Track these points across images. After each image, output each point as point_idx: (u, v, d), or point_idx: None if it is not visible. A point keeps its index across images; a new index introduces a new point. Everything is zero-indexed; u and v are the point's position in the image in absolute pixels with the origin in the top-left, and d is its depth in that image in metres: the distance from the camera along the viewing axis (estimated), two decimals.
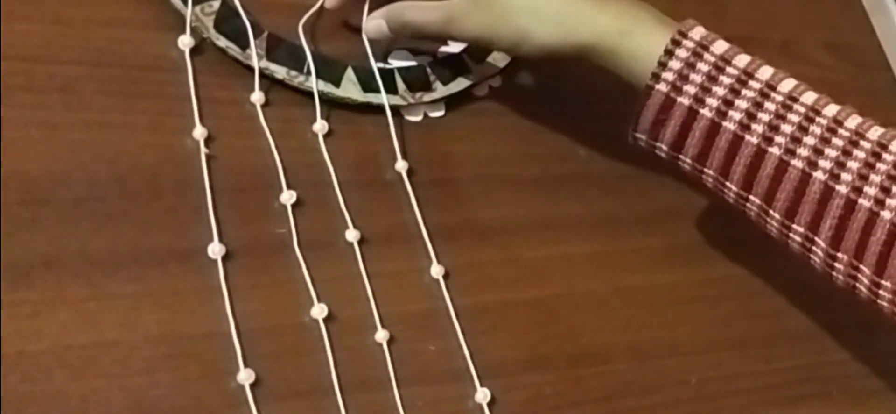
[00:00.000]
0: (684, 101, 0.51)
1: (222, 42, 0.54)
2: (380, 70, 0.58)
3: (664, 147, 0.53)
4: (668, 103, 0.51)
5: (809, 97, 0.50)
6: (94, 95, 0.51)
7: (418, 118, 0.59)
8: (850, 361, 0.65)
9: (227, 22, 0.55)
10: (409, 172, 0.57)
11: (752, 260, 0.65)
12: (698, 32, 0.52)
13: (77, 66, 0.52)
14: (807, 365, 0.63)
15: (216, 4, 0.55)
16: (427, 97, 0.59)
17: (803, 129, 0.49)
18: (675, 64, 0.51)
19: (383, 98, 0.57)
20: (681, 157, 0.53)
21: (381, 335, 0.52)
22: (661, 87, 0.51)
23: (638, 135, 0.54)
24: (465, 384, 0.53)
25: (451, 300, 0.54)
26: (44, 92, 0.50)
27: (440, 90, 0.60)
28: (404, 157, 0.57)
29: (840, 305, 0.63)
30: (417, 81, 0.59)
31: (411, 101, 0.59)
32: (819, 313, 0.65)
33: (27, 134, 0.49)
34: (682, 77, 0.51)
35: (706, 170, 0.52)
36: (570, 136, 0.63)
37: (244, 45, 0.55)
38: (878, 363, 0.65)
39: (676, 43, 0.51)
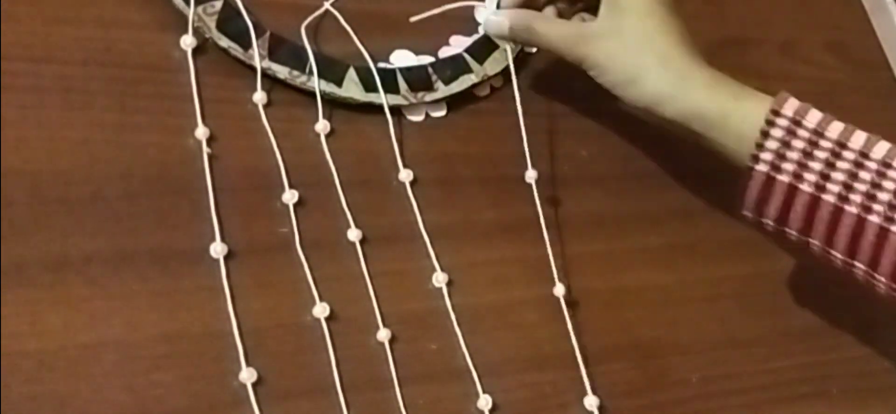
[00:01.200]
0: (784, 178, 0.52)
1: (224, 42, 0.54)
2: (382, 70, 0.58)
3: (770, 223, 0.55)
4: (769, 182, 0.53)
5: None
6: (95, 95, 0.51)
7: (420, 118, 0.59)
8: (850, 360, 0.64)
9: (229, 22, 0.55)
10: (411, 172, 0.56)
11: (752, 260, 0.65)
12: (791, 107, 0.53)
13: (77, 66, 0.51)
14: (807, 364, 0.63)
15: (218, 5, 0.55)
16: (429, 97, 0.59)
17: None
18: (771, 143, 0.52)
19: (382, 98, 0.57)
20: (787, 230, 0.54)
21: (383, 334, 0.52)
22: (762, 167, 0.53)
23: (745, 212, 0.56)
24: (466, 384, 0.53)
25: (453, 300, 0.54)
26: (44, 92, 0.50)
27: (442, 90, 0.59)
28: (405, 157, 0.57)
29: (840, 304, 0.65)
30: (419, 81, 0.59)
31: (413, 100, 0.58)
32: (819, 313, 0.65)
33: (27, 134, 0.49)
34: (780, 155, 0.52)
35: (812, 240, 0.54)
36: (570, 136, 0.63)
37: (246, 46, 0.54)
38: (878, 363, 0.65)
39: (770, 122, 0.52)
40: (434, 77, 0.59)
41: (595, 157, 0.63)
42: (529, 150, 0.60)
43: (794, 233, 0.54)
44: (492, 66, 0.62)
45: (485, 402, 0.52)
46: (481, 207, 0.58)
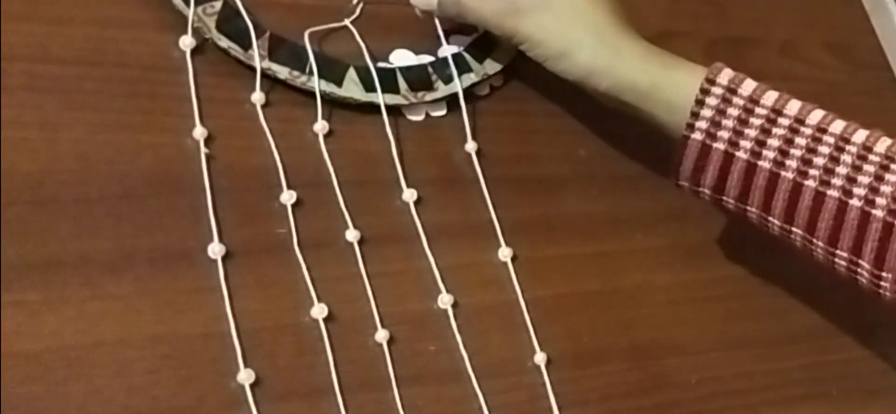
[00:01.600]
0: (719, 146, 0.53)
1: (224, 42, 0.54)
2: (382, 69, 0.58)
3: (707, 191, 0.55)
4: (705, 150, 0.53)
5: (838, 126, 0.51)
6: (95, 95, 0.51)
7: (420, 118, 0.59)
8: (850, 361, 0.64)
9: (228, 22, 0.54)
10: (409, 172, 0.56)
11: (752, 260, 0.65)
12: (726, 76, 0.53)
13: (77, 66, 0.51)
14: (807, 365, 0.63)
15: (218, 5, 0.55)
16: (429, 96, 0.59)
17: (834, 159, 0.51)
18: (706, 112, 0.52)
19: (380, 98, 0.57)
20: (723, 198, 0.55)
21: (382, 335, 0.52)
22: (697, 135, 0.53)
23: (680, 182, 0.56)
24: (464, 385, 0.53)
25: (452, 300, 0.54)
26: (44, 92, 0.50)
27: (442, 90, 0.59)
28: (405, 157, 0.57)
29: (840, 305, 0.65)
30: (419, 81, 0.59)
31: (413, 100, 0.58)
32: (819, 313, 0.65)
33: (27, 134, 0.49)
34: (715, 123, 0.52)
35: (749, 208, 0.54)
36: (570, 136, 0.63)
37: (246, 46, 0.54)
38: (878, 363, 0.65)
39: (705, 91, 0.52)
40: (434, 76, 0.59)
41: (594, 156, 0.63)
42: (529, 150, 0.61)
43: (731, 201, 0.54)
44: (491, 65, 0.62)
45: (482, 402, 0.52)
46: (481, 208, 0.58)
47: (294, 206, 0.52)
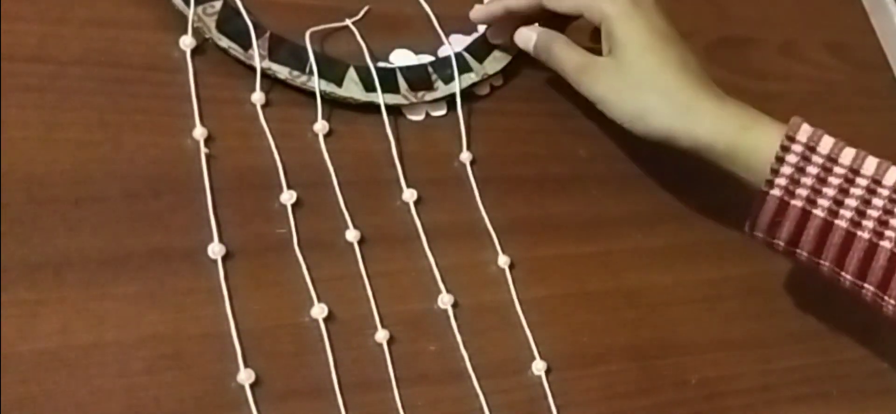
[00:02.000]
0: (798, 203, 0.53)
1: (224, 42, 0.54)
2: (382, 69, 0.58)
3: (781, 244, 0.56)
4: (783, 206, 0.54)
5: None
6: (94, 95, 0.51)
7: (420, 117, 0.59)
8: (850, 361, 0.64)
9: (229, 22, 0.55)
10: (410, 172, 0.56)
11: (752, 260, 0.64)
12: (805, 133, 0.53)
13: (77, 66, 0.51)
14: (807, 365, 0.63)
15: (218, 5, 0.55)
16: (429, 96, 0.59)
17: None
18: (786, 169, 0.53)
19: (380, 98, 0.57)
20: (797, 251, 0.55)
21: (382, 335, 0.51)
22: (776, 192, 0.54)
23: (755, 233, 0.57)
24: (465, 385, 0.52)
25: (452, 300, 0.54)
26: (44, 92, 0.50)
27: (442, 89, 0.59)
28: (405, 157, 0.56)
29: (840, 306, 0.64)
30: (419, 81, 0.59)
31: (413, 100, 0.58)
32: (819, 313, 0.65)
33: (27, 134, 0.49)
34: (794, 181, 0.53)
35: (822, 262, 0.55)
36: (570, 136, 0.63)
37: (246, 46, 0.54)
38: (878, 363, 0.65)
39: (786, 148, 0.53)
40: (434, 76, 0.59)
41: (594, 157, 0.63)
42: (529, 150, 0.61)
43: (804, 254, 0.55)
44: (491, 64, 0.62)
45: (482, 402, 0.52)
46: (479, 207, 0.58)
47: (294, 206, 0.52)
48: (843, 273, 0.54)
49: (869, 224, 0.52)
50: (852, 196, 0.52)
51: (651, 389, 0.57)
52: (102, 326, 0.46)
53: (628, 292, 0.60)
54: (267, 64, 0.54)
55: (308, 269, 0.51)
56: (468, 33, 0.63)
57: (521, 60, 0.63)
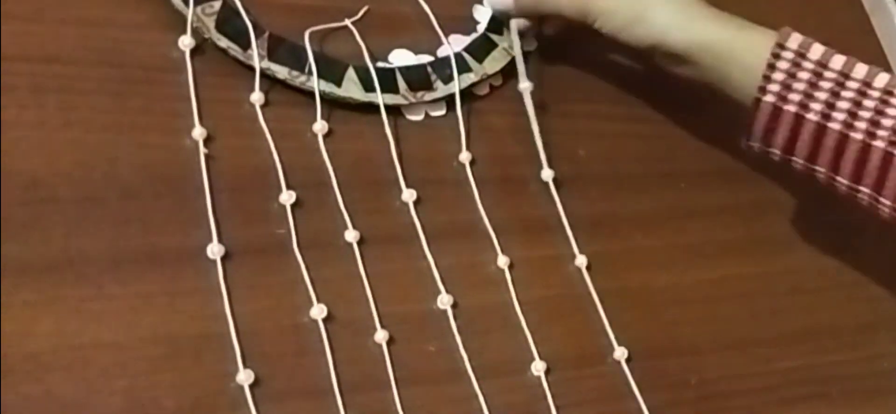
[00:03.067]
0: (791, 108, 0.54)
1: (223, 42, 0.54)
2: (382, 69, 0.58)
3: (777, 152, 0.57)
4: (777, 112, 0.55)
5: None
6: (94, 95, 0.51)
7: (419, 117, 0.59)
8: (850, 361, 0.65)
9: (228, 22, 0.55)
10: (409, 172, 0.57)
11: (751, 260, 0.65)
12: (795, 40, 0.55)
13: (77, 66, 0.51)
14: (807, 366, 0.63)
15: (217, 5, 0.55)
16: (428, 96, 0.59)
17: None
18: (777, 75, 0.54)
19: (379, 98, 0.57)
20: (793, 158, 0.56)
21: (381, 336, 0.52)
22: (769, 98, 0.55)
23: (751, 143, 0.57)
24: (464, 385, 0.53)
25: (451, 300, 0.54)
26: (44, 92, 0.50)
27: (441, 89, 0.60)
28: (404, 157, 0.57)
29: (840, 306, 0.65)
30: (418, 81, 0.59)
31: (412, 100, 0.58)
32: (819, 314, 0.65)
33: (27, 134, 0.49)
34: (786, 86, 0.54)
35: (818, 168, 0.56)
36: (568, 135, 0.63)
37: (245, 46, 0.55)
38: (878, 364, 0.65)
39: (776, 55, 0.54)
40: (433, 76, 0.60)
41: (593, 157, 0.63)
42: (529, 151, 0.61)
43: (800, 161, 0.56)
44: (491, 64, 0.62)
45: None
46: (478, 208, 0.58)
47: (293, 206, 0.53)
48: (838, 177, 0.55)
49: (861, 125, 0.53)
50: (844, 99, 0.53)
51: (651, 390, 0.57)
52: (101, 326, 0.47)
53: (628, 292, 0.60)
54: (266, 64, 0.55)
55: (307, 269, 0.51)
56: (467, 33, 0.63)
57: (524, 61, 0.63)
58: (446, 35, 0.62)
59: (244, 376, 0.48)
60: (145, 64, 0.53)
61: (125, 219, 0.49)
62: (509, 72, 0.63)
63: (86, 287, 0.47)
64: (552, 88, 0.64)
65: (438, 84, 0.60)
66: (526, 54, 0.63)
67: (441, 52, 0.62)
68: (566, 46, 0.66)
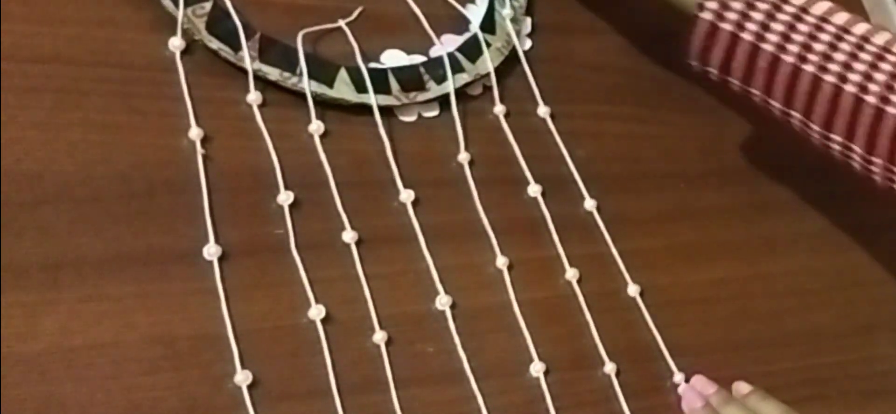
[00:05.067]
0: (726, 27, 0.59)
1: (214, 44, 0.57)
2: (374, 70, 0.61)
3: (714, 71, 0.61)
4: (713, 30, 0.59)
5: (840, 18, 0.58)
6: (92, 96, 0.54)
7: (412, 118, 0.62)
8: (850, 362, 0.67)
9: (219, 23, 0.57)
10: (406, 173, 0.59)
11: (751, 261, 0.68)
12: None
13: (75, 66, 0.54)
14: (806, 367, 0.66)
15: (208, 6, 0.57)
16: (421, 97, 0.62)
17: (833, 47, 0.57)
18: None
19: (372, 99, 0.59)
20: (729, 79, 0.61)
21: (379, 336, 0.54)
22: (706, 15, 0.59)
23: (690, 60, 0.62)
24: (462, 386, 0.55)
25: (450, 301, 0.57)
26: (42, 92, 0.53)
27: (434, 90, 0.62)
28: (399, 157, 0.59)
29: (840, 307, 0.68)
30: (411, 81, 0.62)
31: (405, 101, 0.61)
32: (819, 315, 0.68)
33: (26, 134, 0.51)
34: (723, 6, 0.58)
35: (752, 90, 0.60)
36: (567, 136, 0.66)
37: (236, 47, 0.57)
38: (877, 365, 0.68)
39: None
40: (426, 76, 0.62)
41: (592, 157, 0.66)
42: (528, 150, 0.64)
43: (736, 82, 0.61)
44: (484, 64, 0.64)
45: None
46: (475, 207, 0.61)
47: (291, 206, 0.55)
48: (771, 100, 0.59)
49: (793, 49, 0.57)
50: (778, 21, 0.58)
51: (650, 390, 0.60)
52: (100, 326, 0.49)
53: (626, 293, 0.63)
54: (257, 65, 0.57)
55: (305, 270, 0.54)
56: (460, 33, 0.65)
57: (517, 61, 0.66)
58: (439, 35, 0.65)
59: (242, 377, 0.51)
60: (143, 64, 0.55)
61: (123, 219, 0.52)
62: (503, 72, 0.65)
63: (84, 287, 0.50)
64: (552, 88, 0.66)
65: (431, 84, 0.62)
66: (524, 53, 0.67)
67: (433, 53, 0.64)
68: (566, 46, 0.69)
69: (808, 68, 0.57)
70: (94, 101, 0.54)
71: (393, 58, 0.63)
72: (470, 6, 0.67)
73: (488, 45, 0.65)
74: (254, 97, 0.57)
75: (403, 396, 0.54)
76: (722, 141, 0.67)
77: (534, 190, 0.63)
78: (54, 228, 0.50)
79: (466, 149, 0.62)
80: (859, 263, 0.72)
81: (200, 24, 0.57)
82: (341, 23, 0.62)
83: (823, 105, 0.57)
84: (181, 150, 0.54)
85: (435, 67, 0.63)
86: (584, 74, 0.69)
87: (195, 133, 0.55)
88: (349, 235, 0.56)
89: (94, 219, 0.51)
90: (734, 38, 0.59)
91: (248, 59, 0.57)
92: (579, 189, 0.65)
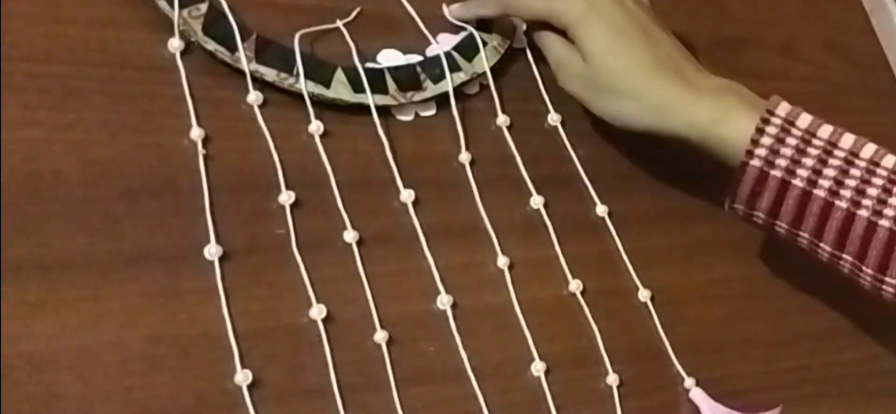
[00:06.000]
0: (777, 173, 0.60)
1: (211, 45, 0.58)
2: (371, 70, 0.62)
3: (761, 215, 0.62)
4: (762, 177, 0.60)
5: (889, 161, 0.59)
6: (93, 96, 0.55)
7: (409, 118, 0.63)
8: (850, 361, 0.69)
9: (215, 25, 0.58)
10: (407, 173, 0.61)
11: (752, 260, 0.69)
12: (784, 109, 0.60)
13: (76, 66, 0.55)
14: (807, 366, 0.67)
15: (204, 7, 0.59)
16: (418, 96, 0.63)
17: (887, 191, 0.58)
18: (766, 140, 0.59)
19: (369, 99, 0.61)
20: (777, 223, 0.62)
21: (380, 336, 0.56)
22: (755, 162, 0.60)
23: (735, 206, 0.63)
24: (464, 386, 0.57)
25: (451, 301, 0.59)
26: (43, 92, 0.54)
27: (431, 89, 0.64)
28: (398, 157, 0.61)
29: (840, 306, 0.69)
30: (408, 81, 0.63)
31: (402, 100, 0.62)
32: (819, 313, 0.70)
33: (26, 134, 0.53)
34: (773, 152, 0.59)
35: (801, 233, 0.61)
36: (569, 136, 0.67)
37: (233, 48, 0.58)
38: (878, 363, 0.70)
39: (766, 121, 0.60)
40: (423, 76, 0.64)
41: (592, 157, 0.67)
42: (527, 150, 0.65)
43: (784, 226, 0.61)
44: (480, 63, 0.66)
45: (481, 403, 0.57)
46: (476, 207, 0.62)
47: (292, 206, 0.57)
48: (821, 244, 0.61)
49: (846, 194, 0.59)
50: (830, 166, 0.59)
51: (650, 389, 0.62)
52: (101, 326, 0.51)
53: (627, 293, 0.64)
54: (254, 66, 0.59)
55: (306, 269, 0.56)
56: (456, 32, 0.67)
57: (514, 59, 0.68)
58: (435, 34, 0.67)
59: (242, 377, 0.52)
60: (144, 65, 0.57)
61: (124, 219, 0.53)
62: (500, 70, 0.67)
63: (85, 287, 0.51)
64: (550, 88, 0.68)
65: (428, 84, 0.64)
66: (520, 51, 0.68)
67: (430, 52, 0.66)
68: None
69: (863, 214, 0.59)
70: (95, 102, 0.55)
71: (389, 58, 0.65)
72: (454, 7, 0.69)
73: (485, 44, 0.67)
74: (254, 98, 0.59)
75: (404, 395, 0.55)
76: None
77: (534, 193, 0.65)
78: (55, 228, 0.52)
79: (467, 148, 0.63)
80: None
81: (197, 26, 0.58)
82: (339, 23, 0.64)
83: (878, 249, 0.59)
84: (182, 150, 0.56)
85: (432, 67, 0.65)
86: None
87: (196, 133, 0.56)
88: (350, 235, 0.58)
89: (94, 219, 0.53)
90: (784, 184, 0.60)
91: (244, 60, 0.59)
92: (579, 188, 0.66)
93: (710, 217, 0.69)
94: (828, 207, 0.59)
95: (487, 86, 0.67)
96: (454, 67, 0.65)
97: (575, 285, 0.63)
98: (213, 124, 0.57)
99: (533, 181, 0.65)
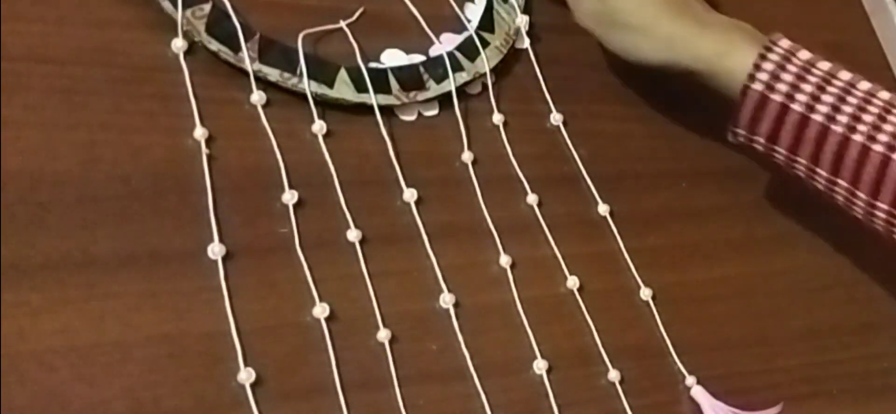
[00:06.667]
0: (777, 98, 0.62)
1: (214, 45, 0.58)
2: (374, 70, 0.63)
3: (761, 141, 0.64)
4: (763, 102, 0.62)
5: (885, 95, 0.62)
6: (95, 96, 0.56)
7: (412, 118, 0.64)
8: (850, 360, 0.70)
9: (218, 25, 0.59)
10: (409, 172, 0.62)
11: (752, 260, 0.70)
12: (786, 43, 0.63)
13: (77, 66, 0.56)
14: (807, 364, 0.68)
15: (207, 8, 0.59)
16: (421, 96, 0.64)
17: (882, 119, 0.60)
18: (767, 66, 0.62)
19: (372, 98, 0.62)
20: (775, 149, 0.64)
21: (383, 335, 0.56)
22: (757, 86, 0.62)
23: (737, 131, 0.65)
24: (466, 384, 0.57)
25: (453, 300, 0.59)
26: (44, 92, 0.54)
27: (433, 89, 0.64)
28: (401, 156, 0.61)
29: (841, 305, 0.70)
30: (411, 80, 0.64)
31: (405, 100, 0.63)
32: (819, 313, 0.70)
33: (27, 134, 0.53)
34: (774, 77, 0.62)
35: (798, 159, 0.63)
36: (570, 136, 0.68)
37: (236, 48, 0.59)
38: (878, 363, 0.70)
39: (768, 49, 0.63)
40: (425, 76, 0.65)
41: (594, 156, 0.68)
42: (527, 150, 0.66)
43: (782, 151, 0.64)
44: (483, 63, 0.67)
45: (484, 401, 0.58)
46: (478, 206, 0.63)
47: (295, 206, 0.57)
48: (818, 169, 0.63)
49: (842, 119, 0.61)
50: (828, 94, 0.61)
51: (651, 389, 0.62)
52: (103, 325, 0.51)
53: (629, 292, 0.65)
54: (257, 66, 0.59)
55: (309, 268, 0.56)
56: (459, 32, 0.68)
57: (516, 59, 0.69)
58: (438, 34, 0.67)
59: (245, 376, 0.52)
60: (146, 65, 0.57)
61: (127, 219, 0.53)
62: (501, 70, 0.68)
63: (87, 287, 0.51)
64: (552, 88, 0.69)
65: (431, 83, 0.64)
66: (522, 51, 0.69)
67: (433, 52, 0.66)
68: (565, 46, 0.71)
69: (857, 138, 0.60)
70: (98, 102, 0.56)
71: (392, 57, 0.65)
72: (469, 5, 0.70)
73: (487, 44, 0.68)
74: (257, 97, 0.59)
75: (407, 393, 0.56)
76: (722, 141, 0.68)
77: (536, 193, 0.65)
78: (57, 228, 0.52)
79: (469, 148, 0.64)
80: (860, 261, 0.74)
81: (200, 26, 0.59)
82: (342, 24, 0.64)
83: (871, 174, 0.60)
84: (186, 149, 0.56)
85: (435, 66, 0.65)
86: (584, 73, 0.72)
87: (200, 133, 0.57)
88: (353, 234, 0.58)
89: (97, 218, 0.53)
90: (784, 109, 0.62)
91: (247, 60, 0.59)
92: (581, 188, 0.67)
93: (711, 217, 0.70)
94: (824, 131, 0.62)
95: (490, 86, 0.67)
96: (457, 67, 0.66)
97: (576, 284, 0.64)
98: (217, 124, 0.58)
99: (535, 181, 0.66)
